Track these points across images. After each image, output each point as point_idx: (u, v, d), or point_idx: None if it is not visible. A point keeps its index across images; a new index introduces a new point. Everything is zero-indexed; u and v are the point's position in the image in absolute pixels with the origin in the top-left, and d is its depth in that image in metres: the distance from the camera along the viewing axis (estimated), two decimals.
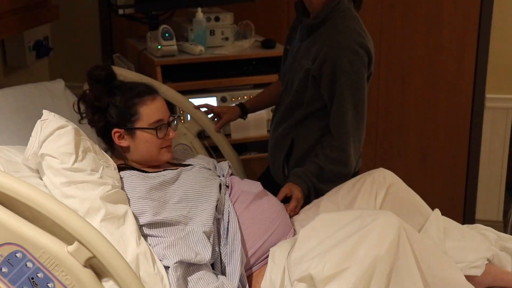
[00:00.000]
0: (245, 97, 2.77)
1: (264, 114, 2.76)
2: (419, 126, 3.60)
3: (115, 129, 1.91)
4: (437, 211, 1.96)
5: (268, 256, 1.83)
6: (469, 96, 3.52)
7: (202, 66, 2.75)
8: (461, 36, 3.45)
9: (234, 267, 1.76)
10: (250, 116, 2.73)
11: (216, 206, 1.85)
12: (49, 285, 1.45)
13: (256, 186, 2.01)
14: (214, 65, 2.76)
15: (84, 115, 1.97)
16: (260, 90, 2.78)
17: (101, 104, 1.91)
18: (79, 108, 1.97)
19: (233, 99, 2.74)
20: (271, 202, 1.98)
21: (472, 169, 3.61)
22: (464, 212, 3.67)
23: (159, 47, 2.68)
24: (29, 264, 1.45)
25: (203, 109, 2.44)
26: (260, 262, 1.85)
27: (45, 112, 1.80)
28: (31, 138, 1.75)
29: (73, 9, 3.28)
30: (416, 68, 3.52)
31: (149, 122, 1.91)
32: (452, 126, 3.58)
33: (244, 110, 2.45)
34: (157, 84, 2.41)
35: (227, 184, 1.98)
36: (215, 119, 2.44)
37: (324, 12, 2.07)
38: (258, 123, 2.76)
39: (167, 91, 2.42)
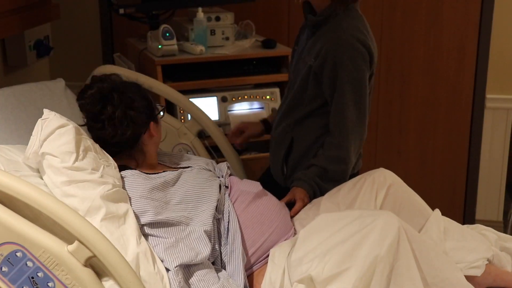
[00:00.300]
0: (245, 96, 2.77)
1: (264, 114, 2.76)
2: (419, 126, 3.60)
3: (152, 122, 1.94)
4: (437, 211, 1.96)
5: (268, 255, 1.83)
6: (469, 96, 3.52)
7: (203, 66, 2.75)
8: (461, 36, 3.45)
9: (235, 267, 1.77)
10: (250, 116, 2.73)
11: (216, 206, 1.86)
12: (49, 284, 1.46)
13: (255, 186, 2.01)
14: (214, 65, 2.76)
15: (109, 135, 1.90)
16: (260, 90, 2.79)
17: (120, 114, 1.87)
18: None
19: (233, 99, 2.74)
20: (271, 202, 1.98)
21: (472, 169, 3.61)
22: (464, 212, 3.67)
23: (159, 46, 2.68)
24: (29, 264, 1.45)
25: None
26: (260, 261, 1.85)
27: (45, 111, 1.80)
28: (31, 137, 1.75)
29: (73, 9, 3.28)
30: (416, 68, 3.52)
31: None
32: (452, 126, 3.58)
33: (267, 126, 2.43)
34: (157, 83, 2.42)
35: (226, 185, 1.99)
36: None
37: (329, 10, 2.07)
38: None
39: (167, 90, 2.42)
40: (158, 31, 2.69)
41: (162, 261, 1.68)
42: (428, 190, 3.45)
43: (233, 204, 1.90)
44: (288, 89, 2.25)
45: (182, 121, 2.59)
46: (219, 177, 2.01)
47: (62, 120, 1.77)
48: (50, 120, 1.76)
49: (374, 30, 3.41)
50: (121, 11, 2.75)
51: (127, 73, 2.34)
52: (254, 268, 1.85)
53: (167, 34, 2.69)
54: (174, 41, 2.69)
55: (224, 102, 2.73)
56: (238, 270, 1.76)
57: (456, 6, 3.41)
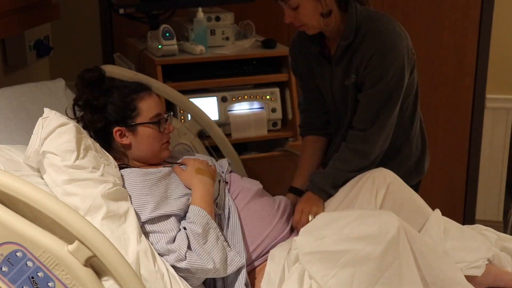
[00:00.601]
0: (245, 96, 2.77)
1: (264, 114, 2.76)
2: None
3: (116, 128, 1.91)
4: (437, 211, 1.96)
5: (268, 251, 1.84)
6: (469, 96, 3.52)
7: (203, 66, 2.75)
8: (461, 36, 3.45)
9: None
10: (250, 116, 2.73)
11: (217, 202, 1.86)
12: (49, 284, 1.45)
13: (256, 184, 2.02)
14: (214, 65, 2.76)
15: (80, 118, 1.95)
16: (260, 90, 2.79)
17: (99, 104, 1.91)
18: (74, 113, 1.96)
19: (233, 99, 2.74)
20: (271, 200, 1.99)
21: (472, 169, 3.61)
22: (464, 212, 3.67)
23: (159, 46, 2.68)
24: (29, 263, 1.45)
25: None
26: (261, 258, 1.86)
27: (46, 110, 1.80)
28: (32, 136, 1.75)
29: (73, 9, 3.28)
30: (416, 68, 3.51)
31: (150, 116, 1.92)
32: (452, 126, 3.57)
33: (298, 192, 2.19)
34: (157, 83, 2.42)
35: (226, 180, 1.99)
36: None
37: (353, 26, 1.97)
38: (258, 123, 2.76)
39: (167, 90, 2.42)
40: (158, 31, 2.69)
41: (167, 254, 1.69)
42: (428, 190, 3.44)
43: (234, 200, 1.91)
44: (342, 116, 2.14)
45: (182, 121, 2.59)
46: (218, 173, 2.02)
47: (62, 118, 1.78)
48: (50, 119, 1.76)
49: None
50: (121, 11, 2.75)
51: (127, 73, 2.34)
52: (256, 263, 1.85)
53: (167, 34, 2.69)
54: (174, 41, 2.70)
55: (224, 102, 2.73)
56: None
57: (456, 6, 3.41)
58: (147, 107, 1.92)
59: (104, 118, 1.91)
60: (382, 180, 1.96)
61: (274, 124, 2.82)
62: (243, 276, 1.75)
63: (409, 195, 1.98)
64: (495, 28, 3.40)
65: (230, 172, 2.07)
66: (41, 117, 1.77)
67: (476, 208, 3.65)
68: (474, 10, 3.40)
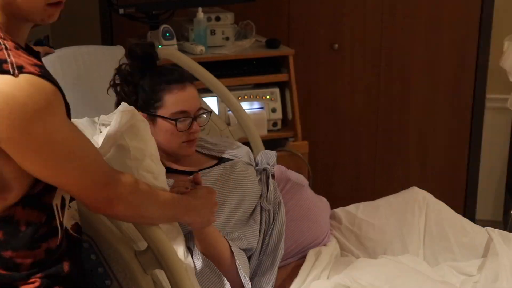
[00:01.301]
0: (245, 96, 2.77)
1: (264, 114, 2.76)
2: (419, 126, 3.60)
3: (139, 112, 1.82)
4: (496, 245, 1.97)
5: (301, 251, 1.85)
6: (469, 96, 3.52)
7: (203, 66, 2.74)
8: (461, 36, 3.45)
9: (272, 259, 1.77)
10: (250, 116, 2.73)
11: (266, 197, 1.85)
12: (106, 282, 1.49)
13: (303, 179, 2.01)
14: (214, 65, 2.76)
15: (118, 87, 1.90)
16: (260, 90, 2.79)
17: (133, 80, 1.85)
18: (114, 82, 1.91)
19: None
20: (316, 198, 1.99)
21: (472, 169, 3.61)
22: (464, 212, 3.67)
23: (159, 46, 2.68)
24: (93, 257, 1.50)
25: None
26: (295, 256, 1.85)
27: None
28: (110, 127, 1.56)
29: (73, 9, 3.27)
30: (416, 68, 3.52)
31: (171, 111, 1.82)
32: (452, 126, 3.58)
33: None
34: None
35: (273, 173, 1.96)
36: None
37: None
38: (258, 123, 2.76)
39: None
40: (158, 31, 2.70)
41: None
42: (428, 190, 3.44)
43: (282, 194, 1.90)
44: None
45: None
46: (257, 165, 1.98)
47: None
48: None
49: (374, 30, 3.44)
50: (121, 11, 2.75)
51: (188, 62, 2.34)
52: (291, 260, 1.85)
53: (167, 34, 2.69)
54: (174, 41, 2.70)
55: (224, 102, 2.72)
56: (274, 263, 1.76)
57: (456, 6, 3.41)
58: (172, 102, 1.82)
59: (135, 94, 1.85)
60: (422, 202, 1.96)
61: (274, 124, 2.82)
62: (274, 274, 1.75)
63: (450, 216, 1.97)
64: (495, 28, 3.40)
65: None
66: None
67: (476, 208, 3.65)
68: (474, 10, 3.40)
